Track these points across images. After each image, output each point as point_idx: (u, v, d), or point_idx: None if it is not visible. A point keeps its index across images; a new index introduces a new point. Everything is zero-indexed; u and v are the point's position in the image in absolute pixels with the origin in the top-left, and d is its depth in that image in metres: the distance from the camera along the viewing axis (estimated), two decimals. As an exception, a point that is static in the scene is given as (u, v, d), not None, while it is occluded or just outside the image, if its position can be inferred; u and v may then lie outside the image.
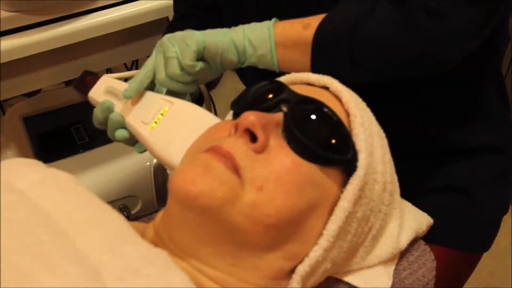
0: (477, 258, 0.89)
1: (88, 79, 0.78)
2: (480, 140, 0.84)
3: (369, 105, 0.65)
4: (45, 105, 1.40)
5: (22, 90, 1.11)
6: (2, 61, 0.97)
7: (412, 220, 0.68)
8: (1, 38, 0.97)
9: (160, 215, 0.59)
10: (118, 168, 1.33)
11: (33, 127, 1.36)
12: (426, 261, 0.69)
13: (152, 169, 1.33)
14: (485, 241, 0.87)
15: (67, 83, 1.48)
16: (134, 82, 0.71)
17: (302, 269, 0.55)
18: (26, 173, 0.53)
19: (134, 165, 1.34)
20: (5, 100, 1.52)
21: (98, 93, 0.76)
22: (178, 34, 0.72)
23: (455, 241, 0.84)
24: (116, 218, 0.49)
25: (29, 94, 1.47)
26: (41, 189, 0.50)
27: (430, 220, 0.72)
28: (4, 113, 1.48)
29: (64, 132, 1.35)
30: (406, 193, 0.73)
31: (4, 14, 0.96)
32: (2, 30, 0.97)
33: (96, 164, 1.31)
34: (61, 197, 0.50)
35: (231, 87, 2.24)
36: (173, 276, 0.45)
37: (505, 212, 0.89)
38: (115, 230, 0.48)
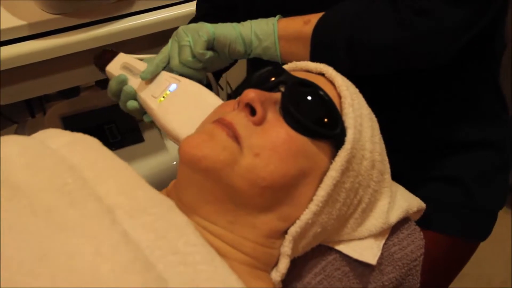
0: (471, 247, 0.94)
1: (106, 55, 0.86)
2: (477, 136, 0.90)
3: (370, 102, 0.72)
4: (82, 106, 1.50)
5: (59, 87, 1.20)
6: (45, 59, 1.07)
7: (404, 201, 0.74)
8: (45, 38, 1.08)
9: (172, 182, 0.68)
10: (146, 165, 1.42)
11: (70, 126, 1.46)
12: (415, 239, 0.75)
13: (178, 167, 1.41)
14: (478, 229, 0.91)
15: (103, 87, 1.59)
16: (150, 65, 0.80)
17: (293, 230, 0.61)
18: (58, 136, 0.62)
19: (161, 163, 1.43)
20: (47, 102, 1.64)
21: (114, 68, 0.84)
22: (191, 25, 0.81)
23: (448, 227, 0.89)
24: (130, 170, 0.58)
25: (68, 96, 1.59)
26: (70, 147, 0.59)
27: (422, 204, 0.77)
28: (45, 113, 1.60)
29: (98, 130, 1.45)
30: (404, 182, 0.79)
31: (48, 16, 1.07)
32: (46, 31, 1.08)
33: (127, 161, 1.40)
34: (85, 153, 0.59)
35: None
36: (176, 216, 0.53)
37: (501, 206, 0.93)
38: (129, 179, 0.56)
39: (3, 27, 1.02)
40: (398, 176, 0.77)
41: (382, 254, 0.70)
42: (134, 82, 0.81)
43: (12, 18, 1.05)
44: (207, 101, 0.73)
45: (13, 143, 0.57)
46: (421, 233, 0.75)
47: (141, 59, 0.84)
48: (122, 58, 0.85)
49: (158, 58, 0.80)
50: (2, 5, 1.08)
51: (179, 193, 0.62)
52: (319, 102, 0.64)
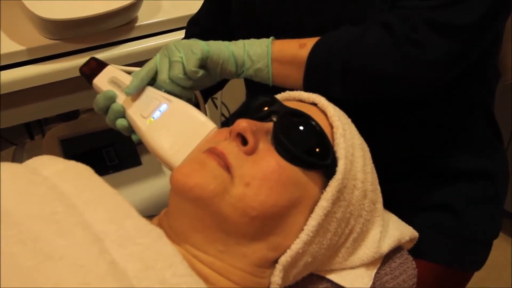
0: (466, 275, 0.93)
1: (94, 66, 0.82)
2: (471, 166, 0.90)
3: (366, 129, 0.72)
4: (81, 129, 1.51)
5: (58, 110, 1.21)
6: (44, 83, 1.08)
7: (396, 230, 0.74)
8: (45, 63, 1.09)
9: (164, 210, 0.68)
10: (144, 189, 1.42)
11: (68, 148, 1.47)
12: (407, 268, 0.75)
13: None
14: (471, 259, 0.91)
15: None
16: (135, 80, 0.75)
17: (284, 259, 0.61)
18: (51, 163, 0.63)
19: (158, 187, 1.44)
20: (46, 124, 1.65)
21: (102, 81, 0.80)
22: (184, 41, 0.78)
23: (441, 257, 0.88)
24: (120, 199, 0.58)
25: (67, 119, 1.60)
26: (61, 175, 0.60)
27: (415, 233, 0.77)
28: (44, 136, 1.61)
29: (96, 153, 1.46)
30: (397, 211, 0.79)
31: (48, 41, 1.08)
32: (45, 56, 1.09)
33: (124, 184, 1.41)
34: (76, 181, 0.59)
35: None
36: (164, 246, 0.53)
37: (496, 236, 0.93)
38: (119, 208, 0.56)
39: (3, 52, 1.03)
40: (391, 205, 0.78)
41: (374, 283, 0.70)
42: (122, 99, 0.78)
43: (12, 44, 1.06)
44: (198, 122, 0.72)
45: (4, 170, 0.57)
46: (414, 262, 0.75)
47: (130, 72, 0.81)
48: (110, 72, 0.81)
49: (143, 71, 0.77)
50: (2, 30, 1.09)
51: (170, 221, 0.63)
52: (310, 132, 0.64)
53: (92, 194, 0.58)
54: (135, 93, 0.76)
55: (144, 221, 0.56)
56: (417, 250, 0.79)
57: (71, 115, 1.66)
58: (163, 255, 0.52)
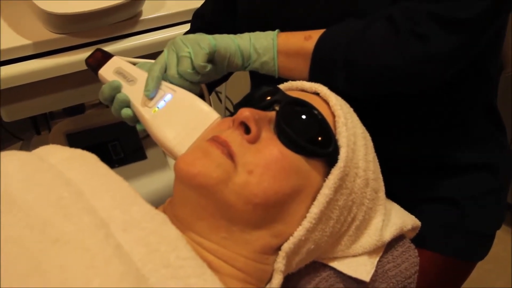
0: (468, 266, 0.94)
1: (100, 57, 0.84)
2: (473, 159, 0.90)
3: (369, 124, 0.73)
4: (87, 124, 1.52)
5: (64, 104, 1.22)
6: (50, 77, 1.09)
7: (398, 218, 0.75)
8: (50, 57, 1.10)
9: (168, 199, 0.69)
10: (149, 182, 1.44)
11: (74, 143, 1.48)
12: (409, 257, 0.75)
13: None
14: (473, 251, 0.92)
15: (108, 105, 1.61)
16: (151, 81, 0.76)
17: (287, 246, 0.62)
18: (57, 152, 0.64)
19: (163, 180, 1.45)
20: (52, 119, 1.66)
21: (108, 72, 0.82)
22: (191, 36, 0.78)
23: (443, 247, 0.89)
24: (126, 186, 0.59)
25: (73, 113, 1.61)
26: (68, 163, 0.61)
27: (417, 221, 0.78)
28: (50, 130, 1.62)
29: (102, 148, 1.47)
30: (400, 203, 0.80)
31: (53, 36, 1.09)
32: (50, 50, 1.10)
33: (129, 178, 1.41)
34: (83, 169, 0.60)
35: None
36: (168, 230, 0.54)
37: (498, 227, 0.94)
38: (124, 194, 0.57)
39: (9, 46, 1.04)
40: (394, 197, 0.78)
41: (376, 271, 0.71)
42: (127, 89, 0.79)
43: (18, 38, 1.07)
44: (202, 112, 0.73)
45: (12, 158, 0.58)
46: (416, 251, 0.76)
47: (134, 63, 0.83)
48: (116, 62, 0.83)
49: (156, 69, 0.77)
50: (8, 24, 1.10)
51: (174, 209, 0.64)
52: (312, 121, 0.65)
53: (98, 181, 0.59)
54: (155, 94, 0.77)
55: (149, 207, 0.57)
56: (419, 240, 0.79)
57: (77, 110, 1.67)
58: (167, 238, 0.53)
